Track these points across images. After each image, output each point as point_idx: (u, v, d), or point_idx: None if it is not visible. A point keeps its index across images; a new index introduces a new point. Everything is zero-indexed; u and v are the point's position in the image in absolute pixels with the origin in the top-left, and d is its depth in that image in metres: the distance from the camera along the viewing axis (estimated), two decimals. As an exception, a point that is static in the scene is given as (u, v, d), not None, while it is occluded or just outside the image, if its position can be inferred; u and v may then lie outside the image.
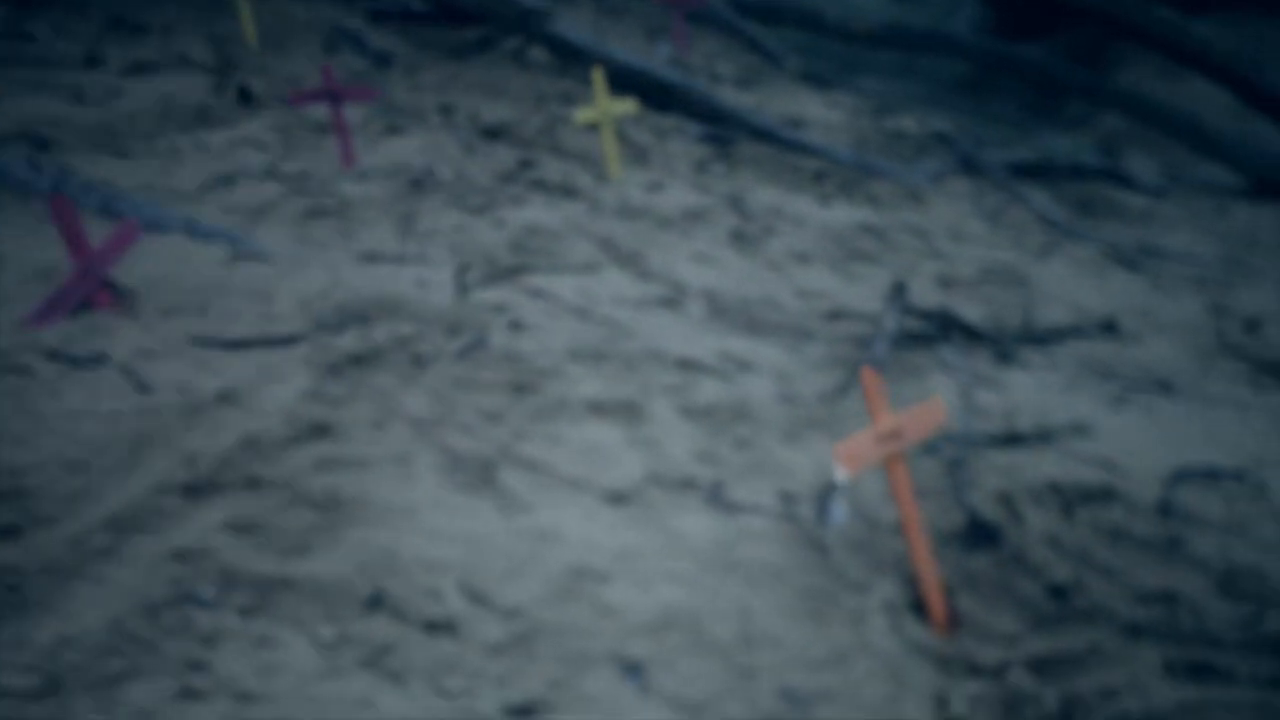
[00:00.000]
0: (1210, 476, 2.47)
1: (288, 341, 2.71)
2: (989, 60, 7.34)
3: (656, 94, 5.32)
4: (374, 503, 2.05)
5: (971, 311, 3.56)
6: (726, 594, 1.79)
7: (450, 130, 4.87)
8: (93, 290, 2.71)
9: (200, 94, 5.08)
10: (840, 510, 2.09)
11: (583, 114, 4.47)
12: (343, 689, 1.50)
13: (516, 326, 2.87)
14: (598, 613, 1.73)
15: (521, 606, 1.73)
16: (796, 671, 1.64)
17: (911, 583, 1.91)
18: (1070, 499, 2.26)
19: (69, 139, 4.39)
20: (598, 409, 2.45)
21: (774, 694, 1.59)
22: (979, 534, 2.06)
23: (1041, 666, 1.76)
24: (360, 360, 2.62)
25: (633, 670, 1.60)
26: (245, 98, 5.07)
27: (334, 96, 4.34)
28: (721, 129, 5.19)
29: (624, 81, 5.27)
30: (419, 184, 4.05)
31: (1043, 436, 2.61)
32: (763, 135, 5.16)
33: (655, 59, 6.10)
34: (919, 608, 1.88)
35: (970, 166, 5.33)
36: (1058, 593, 1.94)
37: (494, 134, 4.86)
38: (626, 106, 4.52)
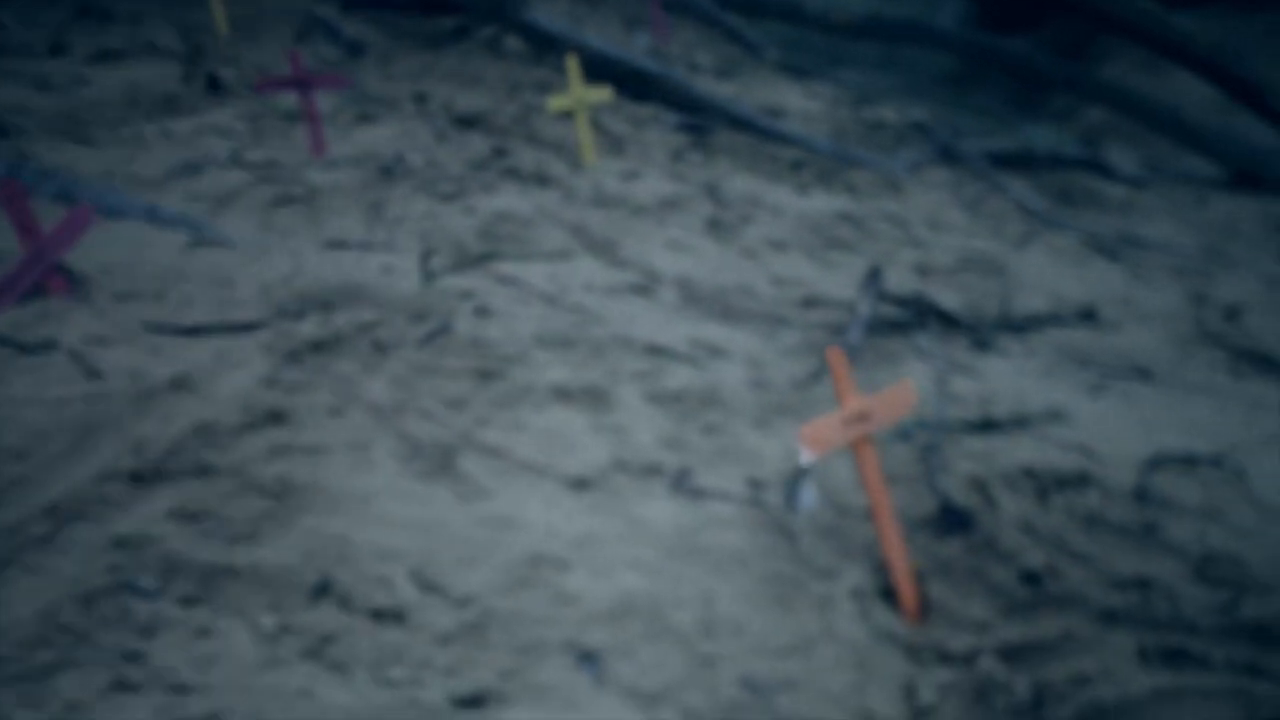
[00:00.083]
0: (1188, 462, 2.43)
1: (247, 328, 2.64)
2: (971, 52, 7.30)
3: (633, 83, 5.26)
4: (328, 490, 1.98)
5: (949, 299, 3.51)
6: (689, 581, 1.73)
7: (424, 119, 4.80)
8: (44, 276, 2.63)
9: (168, 82, 4.99)
10: (809, 496, 2.03)
11: (557, 101, 4.40)
12: (282, 680, 1.43)
13: (483, 313, 2.80)
14: (555, 600, 1.67)
15: (476, 594, 1.66)
16: (759, 660, 1.58)
17: (881, 569, 1.86)
18: (1045, 485, 2.21)
19: (31, 127, 4.30)
20: (563, 395, 2.39)
21: (735, 683, 1.53)
22: (951, 519, 2.01)
23: (1013, 654, 1.71)
24: (321, 347, 2.56)
25: (589, 659, 1.54)
26: (214, 86, 4.99)
27: (303, 84, 4.26)
28: (699, 118, 5.13)
29: (601, 70, 5.21)
30: (389, 172, 3.98)
31: (1019, 423, 2.57)
32: (741, 124, 5.10)
33: (633, 49, 6.04)
34: (889, 595, 1.82)
35: (949, 156, 5.28)
36: (1031, 579, 1.89)
37: (468, 123, 4.78)
38: (601, 94, 4.46)
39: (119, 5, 5.82)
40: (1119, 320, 3.70)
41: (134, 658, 1.50)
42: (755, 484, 2.09)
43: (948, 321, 3.23)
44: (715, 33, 6.93)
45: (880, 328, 3.12)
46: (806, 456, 1.62)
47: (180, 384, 2.31)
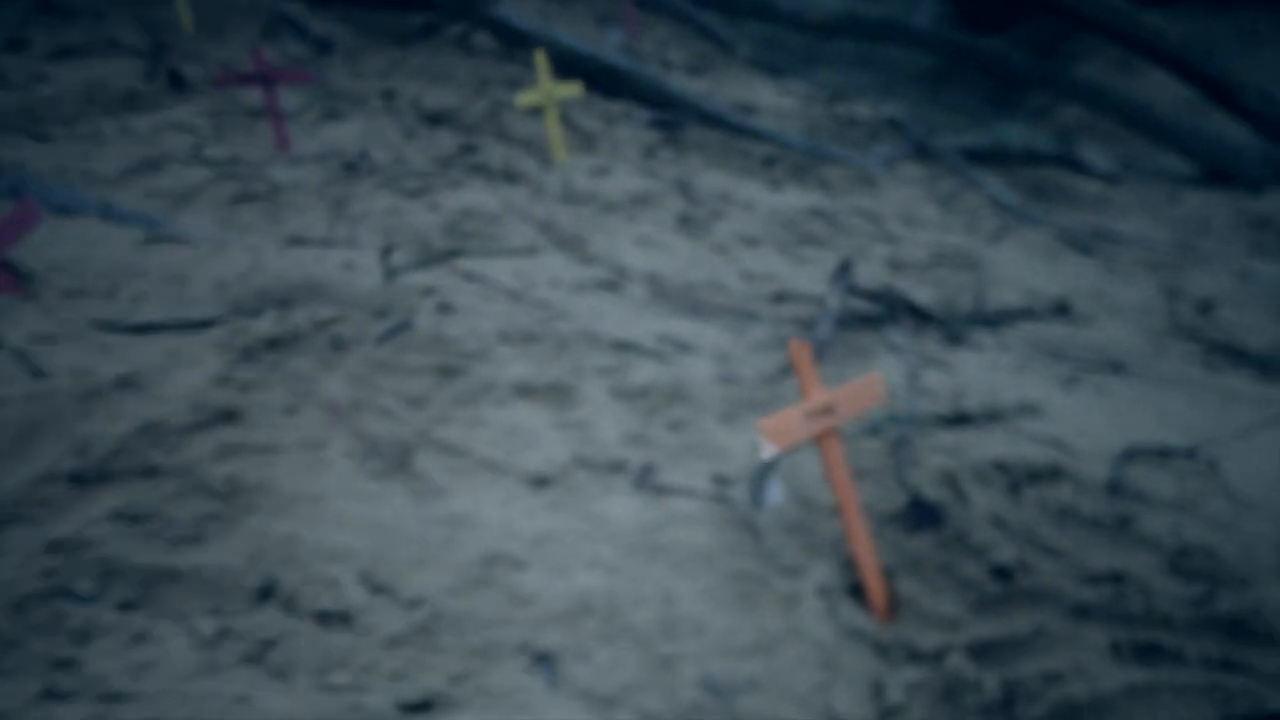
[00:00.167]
0: (1161, 455, 2.39)
1: (200, 325, 2.56)
2: (946, 50, 7.28)
3: (605, 79, 5.20)
4: (278, 490, 1.92)
5: (922, 294, 3.48)
6: (650, 579, 1.68)
7: (391, 116, 4.73)
8: (-12, 272, 2.55)
9: (130, 79, 4.88)
10: (775, 491, 1.98)
11: (525, 97, 4.34)
12: (219, 686, 1.36)
13: (445, 309, 2.74)
14: (510, 601, 1.61)
15: (427, 596, 1.60)
16: (721, 660, 1.52)
17: (849, 566, 1.81)
18: (1017, 478, 2.17)
19: (-14, 123, 4.20)
20: (526, 391, 2.33)
21: (695, 684, 1.47)
22: (921, 514, 1.97)
23: (983, 651, 1.66)
24: (276, 344, 2.48)
25: (543, 661, 1.48)
26: (177, 83, 4.89)
27: (266, 79, 4.18)
28: (671, 114, 5.08)
29: (572, 67, 5.14)
30: (353, 168, 3.91)
31: (991, 416, 2.53)
32: (713, 121, 5.06)
33: (605, 45, 5.98)
34: (857, 592, 1.78)
35: (923, 152, 5.26)
36: (1002, 574, 1.84)
37: (436, 119, 4.71)
38: (571, 90, 4.40)
39: (81, 1, 5.71)
40: (1092, 314, 3.68)
41: (66, 665, 1.43)
42: (720, 480, 2.04)
43: (920, 316, 3.19)
44: (688, 30, 6.88)
45: (852, 322, 3.08)
46: (767, 451, 1.57)
47: (128, 383, 2.23)
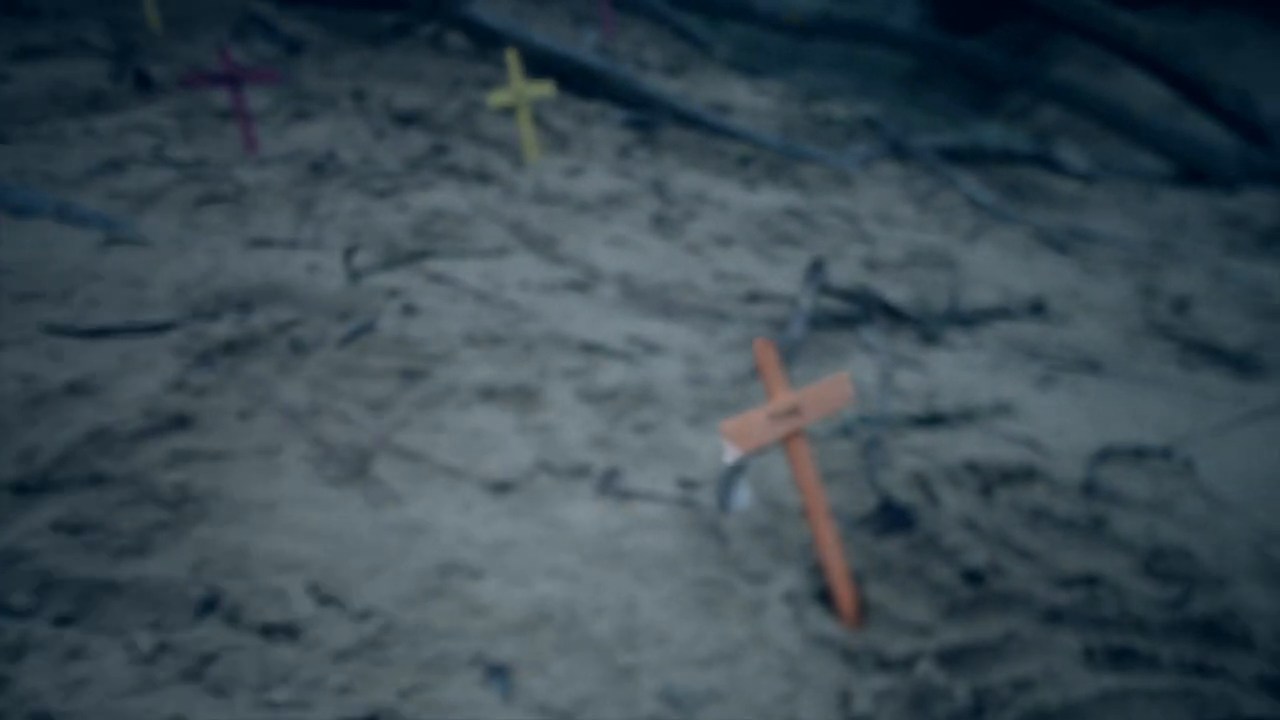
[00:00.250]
0: (1137, 454, 2.36)
1: (157, 329, 2.49)
2: (923, 51, 7.27)
3: (579, 79, 5.16)
4: (230, 498, 1.86)
5: (897, 293, 3.44)
6: (610, 587, 1.63)
7: (362, 116, 4.66)
8: (-64, 275, 2.47)
9: (95, 79, 4.80)
10: (743, 495, 1.93)
11: (497, 97, 4.28)
12: (155, 704, 1.30)
13: (410, 311, 2.68)
14: (465, 611, 1.55)
15: (379, 607, 1.54)
16: (682, 670, 1.47)
17: (817, 571, 1.76)
18: (990, 479, 2.13)
19: (-57, 125, 4.11)
20: (490, 394, 2.28)
21: (654, 696, 1.42)
22: (892, 517, 1.92)
23: (954, 657, 1.62)
24: (234, 348, 2.42)
25: (497, 674, 1.42)
26: (144, 84, 4.81)
27: (233, 80, 4.11)
28: (647, 114, 5.04)
29: (546, 67, 5.10)
30: (320, 169, 3.84)
31: (965, 416, 2.49)
32: (689, 121, 5.02)
33: (581, 45, 5.93)
34: (825, 598, 1.73)
35: (900, 151, 5.23)
36: (973, 578, 1.80)
37: (407, 120, 4.65)
38: (543, 89, 4.35)
39: (46, 1, 5.62)
40: (1068, 313, 3.65)
41: (-5, 684, 1.36)
42: (687, 484, 1.99)
43: (894, 315, 3.15)
44: (664, 30, 6.84)
45: (826, 322, 3.04)
46: (730, 454, 1.52)
47: (78, 389, 2.17)
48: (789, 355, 2.70)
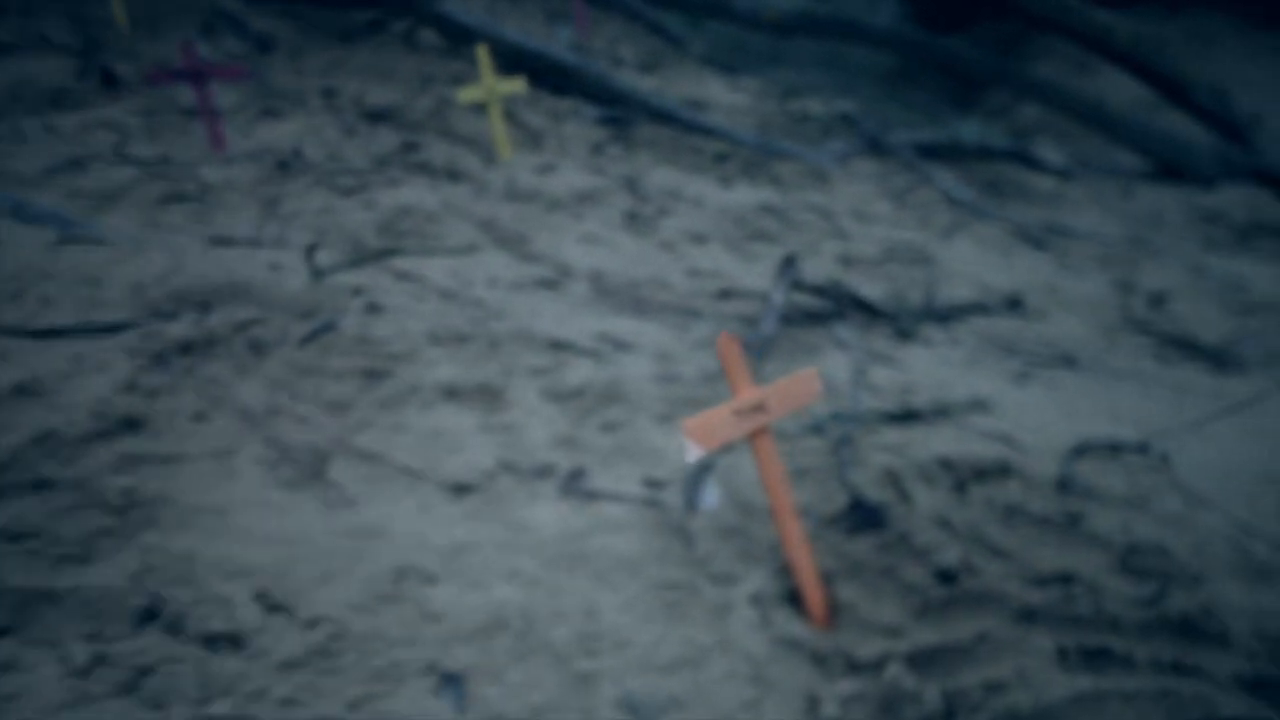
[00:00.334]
0: (1112, 449, 2.32)
1: (111, 329, 2.42)
2: (902, 48, 7.25)
3: (553, 76, 5.10)
4: (179, 503, 1.79)
5: (873, 290, 3.40)
6: (570, 591, 1.57)
7: (332, 114, 4.59)
8: (-119, 275, 2.40)
9: (59, 77, 4.71)
10: (711, 495, 1.88)
11: (467, 93, 4.22)
12: (87, 719, 1.24)
13: (374, 309, 2.62)
14: (419, 618, 1.49)
15: (329, 614, 1.49)
16: (642, 676, 1.42)
17: (786, 572, 1.71)
18: (963, 476, 2.09)
19: (-102, 123, 4.02)
20: (452, 394, 2.22)
21: (613, 703, 1.37)
22: (862, 516, 1.88)
23: (925, 659, 1.57)
24: (191, 348, 2.35)
25: (451, 683, 1.37)
26: (109, 81, 4.72)
27: (198, 76, 4.04)
28: (621, 111, 4.98)
29: (519, 63, 5.04)
30: (286, 166, 3.77)
31: (939, 413, 2.45)
32: (663, 117, 4.97)
33: (555, 42, 5.87)
34: (794, 599, 1.68)
35: (877, 148, 5.20)
36: (946, 577, 1.76)
37: (378, 117, 4.59)
38: (515, 85, 4.29)
39: (10, -2, 5.52)
40: (1045, 308, 3.62)
41: (-79, 700, 1.30)
42: (653, 484, 1.94)
43: (869, 311, 3.11)
44: (639, 27, 6.79)
45: (799, 319, 3.00)
46: (692, 452, 1.47)
47: (26, 390, 2.10)
48: (761, 352, 2.66)
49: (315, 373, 2.30)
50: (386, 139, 4.30)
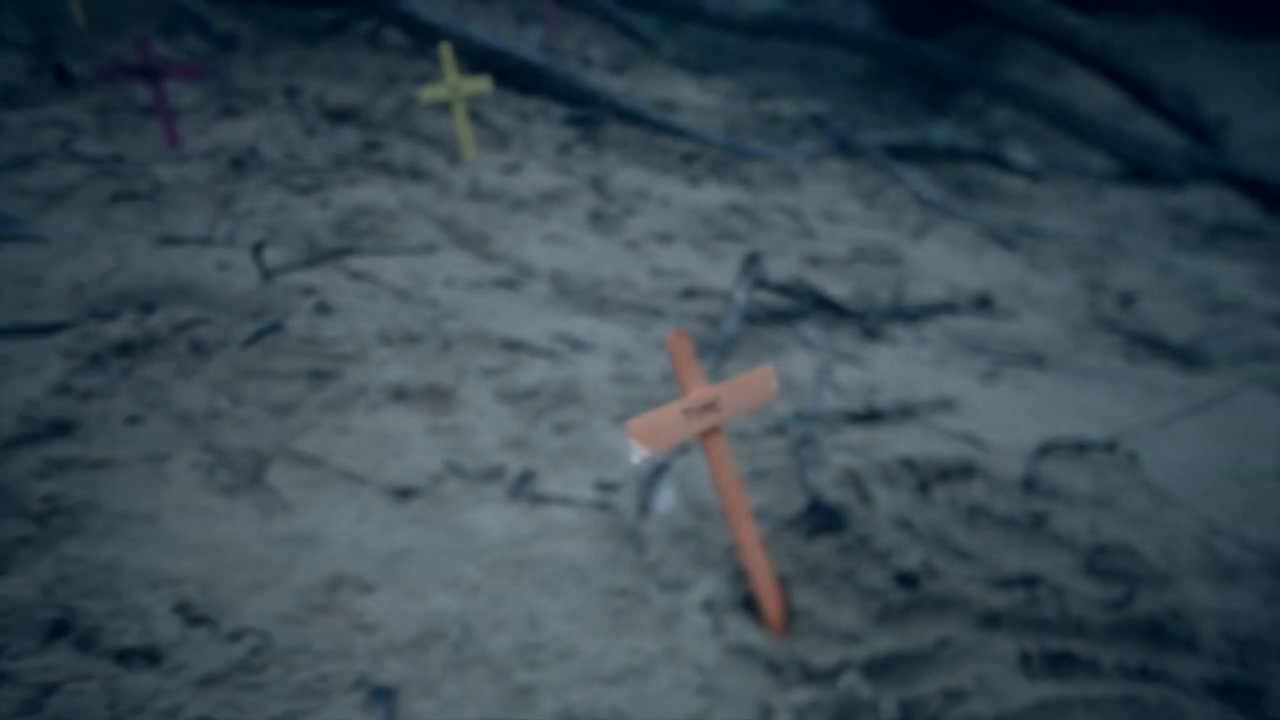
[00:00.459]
0: (1079, 448, 2.27)
1: (46, 330, 2.33)
2: (876, 51, 7.23)
3: (520, 76, 5.03)
4: (106, 509, 1.71)
5: (840, 289, 3.35)
6: (513, 600, 1.50)
7: (293, 113, 4.50)
8: None
9: (12, 74, 4.59)
10: (665, 498, 1.82)
11: (430, 91, 4.14)
12: (-19, 744, 1.16)
13: (324, 309, 2.54)
14: (351, 629, 1.42)
15: (255, 626, 1.41)
16: (585, 688, 1.35)
17: (742, 577, 1.65)
18: (926, 477, 2.03)
19: None
20: (401, 395, 2.14)
21: (554, 717, 1.30)
22: (821, 518, 1.81)
23: (883, 667, 1.51)
24: (130, 349, 2.26)
25: (381, 697, 1.29)
26: (64, 79, 4.61)
27: (153, 73, 3.94)
28: (589, 111, 4.92)
29: (486, 63, 4.98)
30: (241, 165, 3.68)
31: (904, 412, 2.39)
32: (632, 118, 4.91)
33: (524, 43, 5.81)
34: (749, 605, 1.62)
35: (847, 148, 5.16)
36: (906, 581, 1.70)
37: (340, 116, 4.50)
38: (479, 85, 4.22)
39: (-37, -4, 5.39)
40: (1015, 308, 3.58)
41: None
42: (606, 486, 1.87)
43: (836, 311, 3.06)
44: (610, 28, 6.74)
45: (765, 318, 2.94)
46: (638, 454, 1.40)
47: (-52, 393, 2.00)
48: (724, 351, 2.60)
49: (259, 374, 2.22)
50: (348, 138, 4.21)
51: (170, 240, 3.02)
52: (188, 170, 3.70)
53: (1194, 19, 9.61)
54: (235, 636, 1.37)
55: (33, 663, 1.29)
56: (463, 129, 4.19)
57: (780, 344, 2.80)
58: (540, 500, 1.79)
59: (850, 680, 1.43)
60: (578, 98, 5.00)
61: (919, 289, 3.62)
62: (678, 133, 4.88)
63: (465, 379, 2.22)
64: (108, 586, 1.48)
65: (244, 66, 5.16)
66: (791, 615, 1.61)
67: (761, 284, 2.83)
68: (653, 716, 1.33)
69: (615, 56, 6.29)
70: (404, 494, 1.78)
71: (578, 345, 2.52)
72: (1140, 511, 2.04)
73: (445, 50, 4.14)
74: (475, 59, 5.02)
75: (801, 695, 1.44)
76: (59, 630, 1.34)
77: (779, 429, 2.18)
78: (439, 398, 2.14)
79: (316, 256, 2.96)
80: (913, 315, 3.25)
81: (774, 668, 1.51)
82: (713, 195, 4.28)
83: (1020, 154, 6.16)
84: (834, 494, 1.91)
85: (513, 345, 2.43)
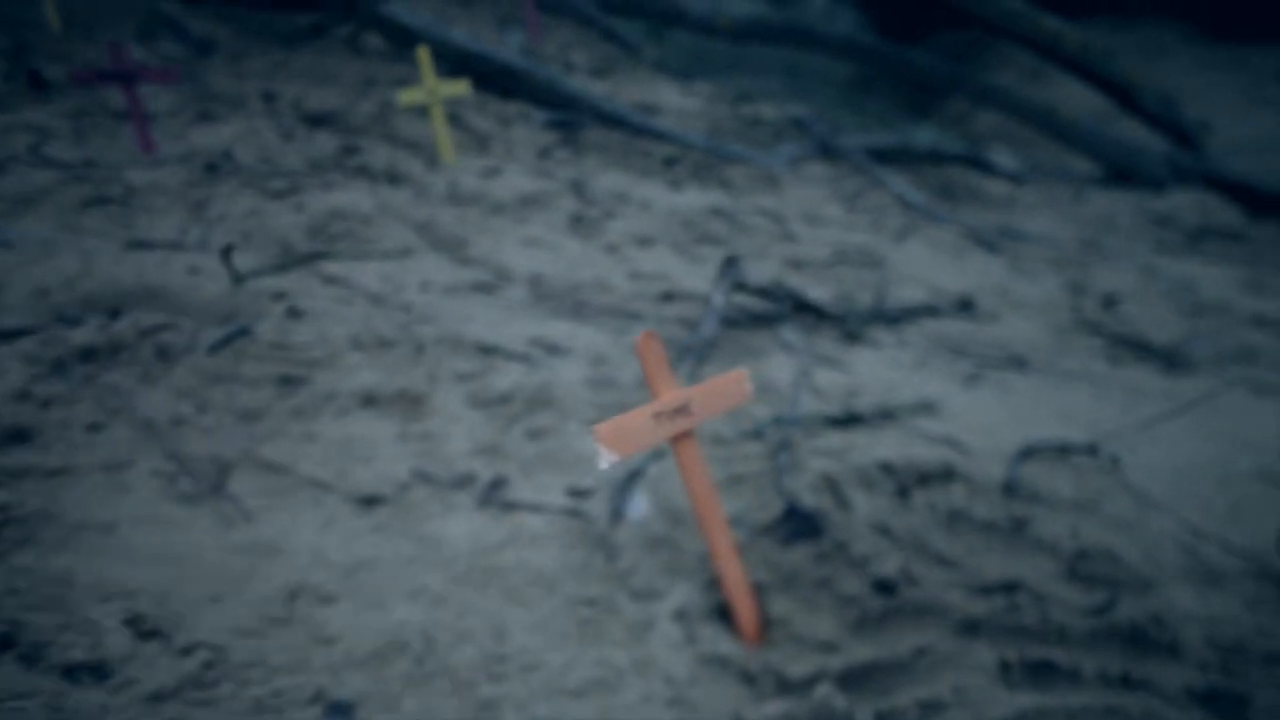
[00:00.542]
0: (1061, 452, 2.25)
1: (8, 336, 2.27)
2: (858, 55, 7.23)
3: (501, 80, 4.99)
4: (62, 519, 1.66)
5: (821, 292, 3.32)
6: (478, 611, 1.46)
7: (270, 117, 4.45)
8: None
9: (-17, 80, 4.54)
10: (639, 504, 1.78)
11: (408, 95, 4.10)
12: (-85, 766, 1.11)
13: (295, 314, 2.49)
14: (310, 641, 1.37)
15: (210, 639, 1.36)
16: (550, 702, 1.31)
17: (716, 585, 1.61)
18: (905, 481, 2.00)
19: None
20: (371, 401, 2.09)
21: (516, 733, 1.25)
22: (798, 524, 1.78)
23: (860, 677, 1.47)
24: (93, 355, 2.21)
25: (339, 712, 1.25)
26: (38, 84, 4.55)
27: (127, 77, 3.88)
28: (570, 115, 4.88)
29: (466, 67, 4.94)
30: (215, 169, 3.62)
31: (884, 416, 2.36)
32: (613, 121, 4.87)
33: (506, 47, 5.77)
34: (723, 614, 1.58)
35: (829, 152, 5.14)
36: (884, 588, 1.66)
37: (318, 121, 4.45)
38: (458, 88, 4.18)
39: (-64, 0, 5.33)
40: (997, 311, 3.56)
41: None
42: (578, 493, 1.83)
43: (817, 313, 3.03)
44: (592, 33, 6.71)
45: (745, 321, 2.91)
46: (606, 459, 1.36)
47: (-96, 401, 1.95)
48: (702, 354, 2.56)
49: (226, 380, 2.17)
50: (325, 143, 4.16)
51: (140, 245, 2.96)
52: (161, 175, 3.64)
53: (1175, 25, 9.66)
54: (188, 650, 1.32)
55: (-26, 680, 1.24)
56: (441, 132, 4.14)
57: (760, 347, 2.77)
58: (510, 507, 1.75)
59: (825, 691, 1.39)
60: (559, 101, 4.97)
61: (900, 292, 3.59)
62: (659, 136, 4.85)
63: (437, 384, 2.18)
64: (58, 599, 1.43)
65: (221, 71, 5.11)
66: (766, 624, 1.57)
67: (741, 287, 2.80)
68: (620, 730, 1.29)
69: (597, 61, 6.26)
70: (370, 502, 1.73)
71: (554, 350, 2.48)
72: (1122, 515, 2.01)
73: (423, 53, 4.10)
74: (455, 63, 4.98)
75: (775, 707, 1.40)
76: (4, 644, 1.29)
77: (756, 434, 2.15)
78: (410, 403, 2.10)
79: (289, 261, 2.91)
80: (894, 318, 3.22)
81: (747, 678, 1.47)
82: (694, 198, 4.25)
83: (1003, 157, 6.15)
84: (811, 499, 1.87)
85: (487, 350, 2.39)
